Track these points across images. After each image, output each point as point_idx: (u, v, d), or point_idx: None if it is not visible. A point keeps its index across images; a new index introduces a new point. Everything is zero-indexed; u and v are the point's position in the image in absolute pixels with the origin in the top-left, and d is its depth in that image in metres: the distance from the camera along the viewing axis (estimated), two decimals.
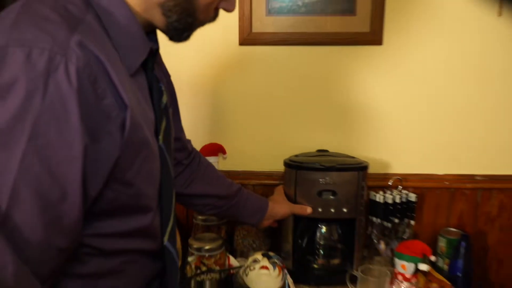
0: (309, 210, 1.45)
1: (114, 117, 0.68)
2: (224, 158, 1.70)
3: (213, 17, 0.89)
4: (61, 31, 0.64)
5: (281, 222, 1.52)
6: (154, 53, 0.86)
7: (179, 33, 0.85)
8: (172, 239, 0.92)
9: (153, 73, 0.87)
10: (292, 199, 1.48)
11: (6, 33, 0.63)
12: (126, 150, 0.71)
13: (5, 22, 0.64)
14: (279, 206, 1.45)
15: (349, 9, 1.61)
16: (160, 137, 0.87)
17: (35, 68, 0.60)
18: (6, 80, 0.59)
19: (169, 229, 0.91)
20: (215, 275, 1.43)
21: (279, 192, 1.54)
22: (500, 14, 1.58)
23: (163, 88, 0.91)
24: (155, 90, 0.87)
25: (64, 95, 0.61)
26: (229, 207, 1.35)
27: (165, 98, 0.91)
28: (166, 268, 0.92)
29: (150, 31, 0.85)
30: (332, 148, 1.65)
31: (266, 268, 1.35)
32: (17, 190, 0.59)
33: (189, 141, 1.31)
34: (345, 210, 1.45)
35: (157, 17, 0.81)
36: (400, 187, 1.65)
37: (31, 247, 0.61)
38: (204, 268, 1.42)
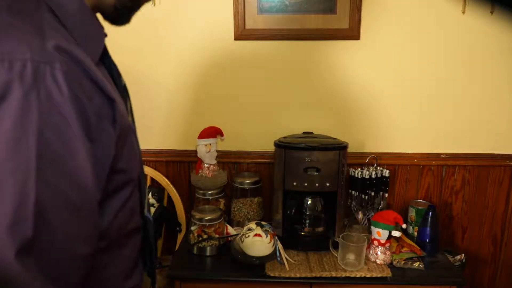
0: None
1: (105, 114, 0.62)
2: (222, 140, 1.76)
3: None
4: (32, 37, 0.56)
5: (272, 195, 1.59)
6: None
7: (127, 12, 0.76)
8: (148, 208, 0.89)
9: (108, 56, 0.79)
10: (282, 176, 1.53)
11: None
12: (118, 142, 0.65)
13: None
14: None
15: (330, 8, 1.68)
16: (130, 118, 0.81)
17: (22, 82, 0.52)
18: None
19: (146, 201, 0.88)
20: (215, 242, 1.53)
21: None
22: (492, 12, 1.65)
23: (118, 68, 0.84)
24: (114, 72, 0.80)
25: (59, 104, 0.54)
26: None
27: (123, 79, 0.85)
28: (148, 234, 0.88)
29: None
30: (316, 131, 1.73)
31: (259, 235, 1.44)
32: (40, 213, 0.53)
33: None
34: (328, 184, 1.53)
35: None
36: (375, 164, 1.74)
37: (61, 263, 0.57)
38: (205, 236, 1.52)
